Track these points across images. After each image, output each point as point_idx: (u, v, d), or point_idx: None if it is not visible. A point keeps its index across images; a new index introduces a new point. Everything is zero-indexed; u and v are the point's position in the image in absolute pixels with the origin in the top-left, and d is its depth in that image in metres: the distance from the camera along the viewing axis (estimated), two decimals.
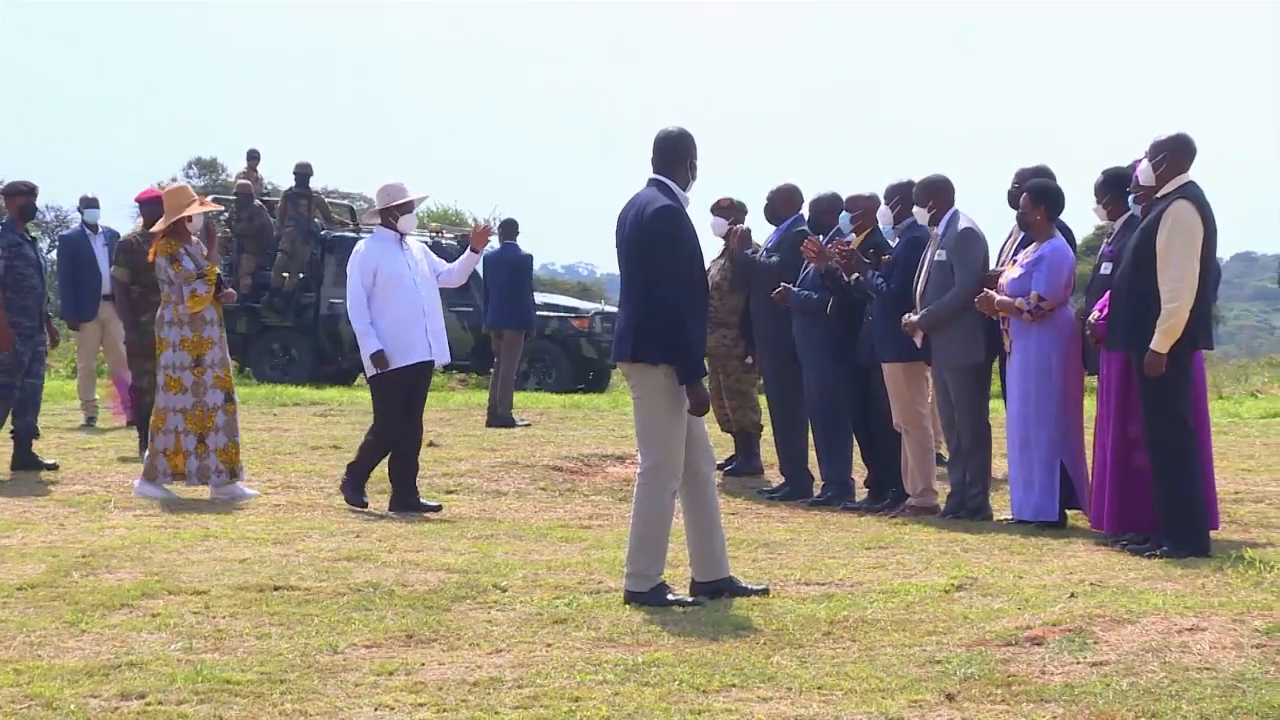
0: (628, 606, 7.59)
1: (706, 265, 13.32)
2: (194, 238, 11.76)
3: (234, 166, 35.85)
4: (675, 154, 8.01)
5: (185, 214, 11.59)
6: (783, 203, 12.55)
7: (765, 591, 7.96)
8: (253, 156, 26.34)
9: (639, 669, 6.35)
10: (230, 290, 11.88)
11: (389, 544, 9.55)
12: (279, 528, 10.15)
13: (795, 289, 11.76)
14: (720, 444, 14.21)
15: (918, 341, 10.86)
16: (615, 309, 23.62)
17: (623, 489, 12.21)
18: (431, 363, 11.27)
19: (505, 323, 17.91)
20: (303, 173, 24.32)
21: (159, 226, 11.69)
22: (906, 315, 10.83)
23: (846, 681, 6.14)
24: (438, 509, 11.08)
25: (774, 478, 12.77)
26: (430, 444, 13.71)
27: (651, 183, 7.99)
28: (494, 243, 18.34)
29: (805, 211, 12.40)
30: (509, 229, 18.50)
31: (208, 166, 49.15)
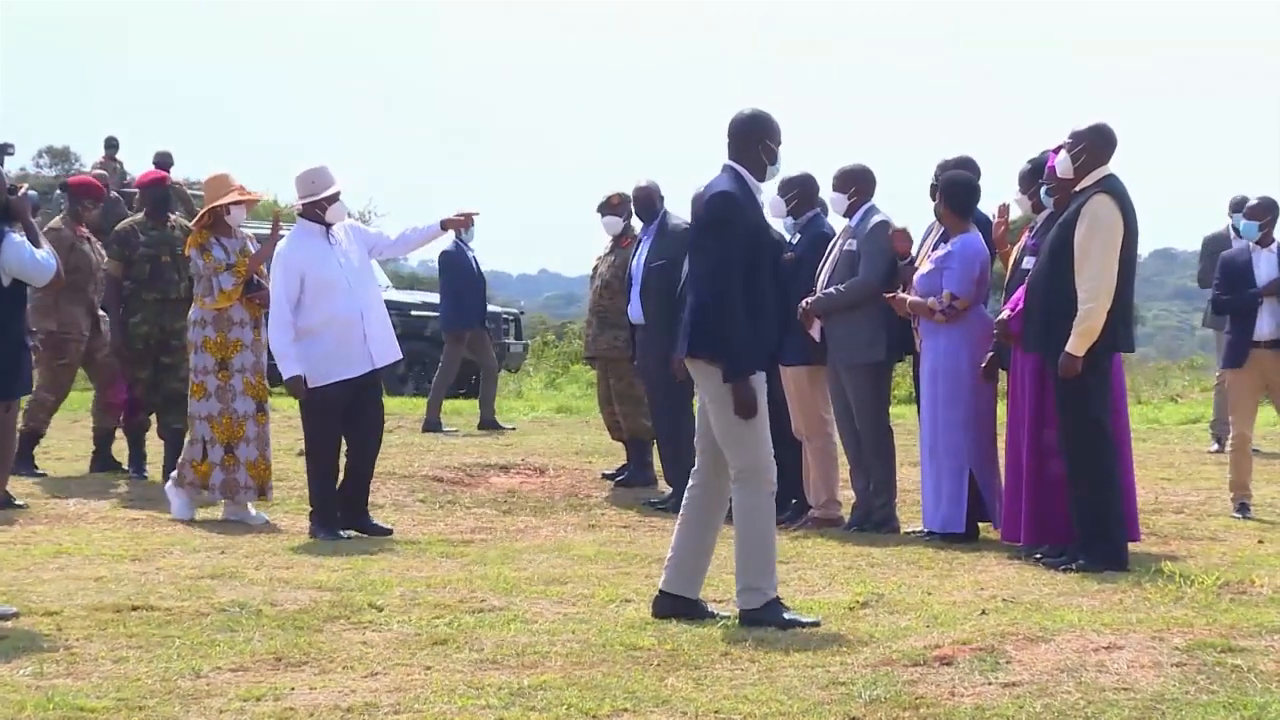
0: (512, 626, 7.57)
1: (596, 263, 13.54)
2: (241, 231, 11.49)
3: (89, 156, 35.43)
4: (742, 138, 7.90)
5: (220, 203, 11.27)
6: (658, 200, 12.59)
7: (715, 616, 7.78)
8: (111, 145, 26.11)
9: (525, 692, 6.34)
10: (268, 289, 11.27)
11: (256, 560, 9.49)
12: (137, 544, 10.06)
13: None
14: (611, 453, 14.24)
15: (814, 333, 10.84)
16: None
17: (507, 500, 12.20)
18: (375, 371, 10.80)
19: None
20: (163, 163, 24.13)
21: (196, 219, 11.54)
22: (804, 300, 10.82)
23: (745, 705, 6.15)
24: (388, 532, 10.70)
25: (666, 488, 12.77)
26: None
27: (724, 169, 7.90)
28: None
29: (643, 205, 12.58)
30: None
31: (60, 155, 48.18)
